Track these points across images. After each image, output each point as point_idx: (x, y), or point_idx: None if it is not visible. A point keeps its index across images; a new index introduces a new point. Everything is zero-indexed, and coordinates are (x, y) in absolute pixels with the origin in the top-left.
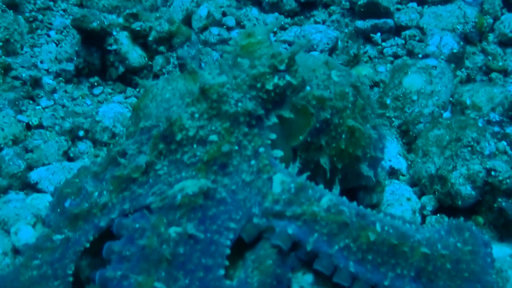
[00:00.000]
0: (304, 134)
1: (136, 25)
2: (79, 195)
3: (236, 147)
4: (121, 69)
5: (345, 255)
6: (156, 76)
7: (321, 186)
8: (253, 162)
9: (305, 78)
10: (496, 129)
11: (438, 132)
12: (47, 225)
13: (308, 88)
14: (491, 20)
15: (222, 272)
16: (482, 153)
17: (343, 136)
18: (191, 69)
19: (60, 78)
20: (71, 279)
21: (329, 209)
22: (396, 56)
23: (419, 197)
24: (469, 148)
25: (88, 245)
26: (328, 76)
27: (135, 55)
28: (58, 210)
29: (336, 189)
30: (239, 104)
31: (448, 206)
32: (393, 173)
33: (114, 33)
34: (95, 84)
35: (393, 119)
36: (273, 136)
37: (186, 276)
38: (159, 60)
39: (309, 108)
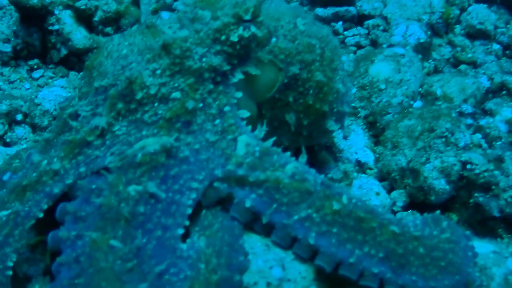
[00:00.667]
0: (272, 91)
1: (81, 3)
2: (22, 170)
3: (201, 105)
4: (64, 51)
5: (307, 225)
6: None
7: (288, 153)
8: (217, 121)
9: (270, 29)
10: (469, 121)
11: (409, 123)
12: None
13: (274, 39)
14: (457, 11)
15: (180, 231)
16: (457, 144)
17: (311, 91)
18: (150, 24)
19: None
20: (10, 273)
21: (293, 175)
22: (359, 46)
23: (389, 192)
24: (443, 139)
25: (41, 215)
26: (294, 25)
27: (79, 36)
28: None
29: (303, 157)
30: (203, 59)
31: (420, 202)
32: (360, 166)
33: (56, 11)
34: (35, 67)
35: (359, 109)
36: (239, 94)
37: (144, 235)
38: None
39: (277, 63)
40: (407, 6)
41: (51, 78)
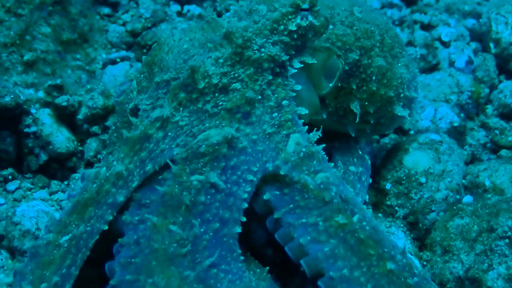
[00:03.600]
0: (334, 80)
1: (61, 100)
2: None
3: (259, 97)
4: (43, 157)
5: (309, 230)
6: (89, 165)
7: (331, 163)
8: (275, 114)
9: (327, 17)
10: None
11: (461, 222)
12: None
13: (330, 27)
14: (487, 90)
15: (238, 229)
16: None
17: (373, 77)
18: (210, 19)
19: None
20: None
21: (320, 184)
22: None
23: None
24: (507, 240)
25: (106, 227)
26: (350, 13)
27: (61, 138)
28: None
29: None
30: (262, 49)
31: None
32: None
33: (33, 110)
34: (9, 177)
35: (396, 208)
36: (298, 87)
37: (202, 225)
38: (92, 144)
39: (335, 50)
40: (431, 86)
41: (30, 189)
